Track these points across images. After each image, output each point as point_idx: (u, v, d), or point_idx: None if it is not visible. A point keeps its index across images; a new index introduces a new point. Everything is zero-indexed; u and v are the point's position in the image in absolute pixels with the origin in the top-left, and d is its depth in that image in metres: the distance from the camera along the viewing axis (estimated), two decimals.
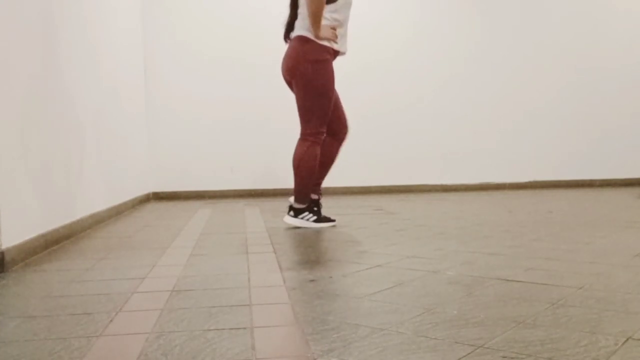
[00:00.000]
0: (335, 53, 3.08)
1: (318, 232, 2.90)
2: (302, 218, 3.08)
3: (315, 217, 3.09)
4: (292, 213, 3.09)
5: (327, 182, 5.16)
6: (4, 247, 2.00)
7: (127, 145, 4.32)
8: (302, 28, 3.02)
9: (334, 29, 3.00)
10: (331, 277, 1.80)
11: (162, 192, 5.42)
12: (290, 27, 3.15)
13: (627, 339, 1.14)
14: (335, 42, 3.03)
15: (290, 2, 3.15)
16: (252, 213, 3.92)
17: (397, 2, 5.82)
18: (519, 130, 6.07)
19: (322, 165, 3.17)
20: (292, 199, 3.15)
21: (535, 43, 6.07)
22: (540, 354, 1.06)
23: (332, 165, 3.24)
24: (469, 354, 1.08)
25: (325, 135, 3.12)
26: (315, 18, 2.91)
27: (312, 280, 1.75)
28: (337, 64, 3.19)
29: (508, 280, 1.71)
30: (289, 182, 5.28)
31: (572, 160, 6.18)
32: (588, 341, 1.13)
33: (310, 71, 2.98)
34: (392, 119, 5.80)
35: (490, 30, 6.00)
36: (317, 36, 2.96)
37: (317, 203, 3.15)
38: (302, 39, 3.01)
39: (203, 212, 4.06)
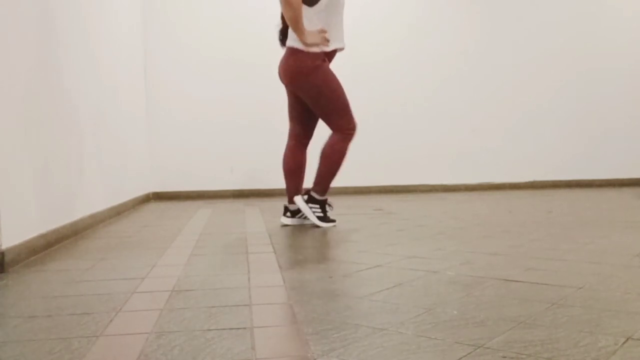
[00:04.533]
0: (330, 53, 3.07)
1: (318, 232, 2.91)
2: (311, 207, 3.07)
3: (321, 215, 3.10)
4: (305, 197, 3.09)
5: None
6: (4, 247, 2.00)
7: (127, 145, 4.32)
8: (291, 38, 3.02)
9: (323, 31, 2.97)
10: (331, 277, 1.80)
11: (162, 192, 5.43)
12: (283, 32, 3.16)
13: (627, 339, 1.14)
14: (326, 45, 3.01)
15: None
16: (252, 213, 3.92)
17: (397, 1, 5.82)
18: (519, 130, 6.07)
19: (295, 172, 3.16)
20: (286, 204, 3.17)
21: (535, 43, 6.07)
22: (540, 354, 1.06)
23: (304, 172, 3.22)
24: (469, 354, 1.08)
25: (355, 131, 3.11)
26: (296, 25, 2.87)
27: (312, 280, 1.75)
28: (336, 63, 3.19)
29: (508, 280, 1.71)
30: None
31: (572, 160, 6.18)
32: (588, 341, 1.13)
33: (309, 82, 2.98)
34: (392, 119, 5.80)
35: (489, 31, 6.00)
36: (304, 44, 2.95)
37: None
38: (292, 51, 3.00)
39: (203, 212, 4.06)
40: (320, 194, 3.09)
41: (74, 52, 2.96)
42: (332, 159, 3.04)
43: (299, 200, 3.07)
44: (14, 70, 2.15)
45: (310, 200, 3.08)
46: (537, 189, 6.01)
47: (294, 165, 3.16)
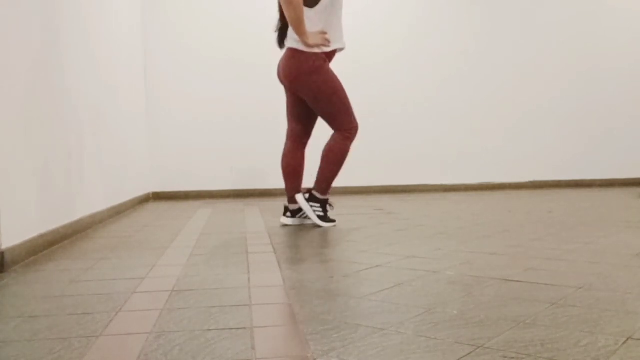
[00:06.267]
0: (330, 54, 3.07)
1: (318, 232, 2.91)
2: (312, 206, 3.08)
3: (322, 214, 3.10)
4: (307, 196, 3.09)
5: None
6: (4, 247, 2.00)
7: (127, 145, 4.32)
8: (291, 39, 3.02)
9: (324, 33, 2.98)
10: (332, 277, 1.80)
11: (162, 192, 5.42)
12: (282, 33, 3.15)
13: (627, 339, 1.14)
14: (327, 46, 3.01)
15: (279, 7, 3.16)
16: (252, 213, 3.92)
17: (397, 2, 5.82)
18: (519, 130, 6.07)
19: (295, 172, 3.16)
20: (287, 204, 3.16)
21: (536, 43, 6.06)
22: (540, 354, 1.06)
23: (303, 171, 3.21)
24: (469, 354, 1.08)
25: (357, 130, 3.10)
26: (298, 26, 2.88)
27: (312, 280, 1.75)
28: (337, 63, 3.19)
29: (508, 280, 1.71)
30: None
31: (572, 160, 6.18)
32: (588, 341, 1.13)
33: (311, 82, 2.99)
34: (392, 118, 5.80)
35: (489, 31, 6.00)
36: (306, 45, 2.95)
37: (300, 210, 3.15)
38: (293, 53, 3.00)
39: (203, 212, 4.06)
40: (322, 193, 3.10)
41: (74, 52, 2.96)
42: (334, 159, 3.05)
43: (301, 198, 3.08)
44: (14, 70, 2.15)
45: (311, 199, 3.09)
46: (537, 189, 6.01)
47: (294, 165, 3.16)
